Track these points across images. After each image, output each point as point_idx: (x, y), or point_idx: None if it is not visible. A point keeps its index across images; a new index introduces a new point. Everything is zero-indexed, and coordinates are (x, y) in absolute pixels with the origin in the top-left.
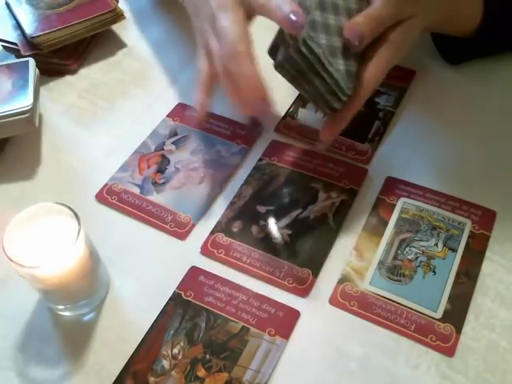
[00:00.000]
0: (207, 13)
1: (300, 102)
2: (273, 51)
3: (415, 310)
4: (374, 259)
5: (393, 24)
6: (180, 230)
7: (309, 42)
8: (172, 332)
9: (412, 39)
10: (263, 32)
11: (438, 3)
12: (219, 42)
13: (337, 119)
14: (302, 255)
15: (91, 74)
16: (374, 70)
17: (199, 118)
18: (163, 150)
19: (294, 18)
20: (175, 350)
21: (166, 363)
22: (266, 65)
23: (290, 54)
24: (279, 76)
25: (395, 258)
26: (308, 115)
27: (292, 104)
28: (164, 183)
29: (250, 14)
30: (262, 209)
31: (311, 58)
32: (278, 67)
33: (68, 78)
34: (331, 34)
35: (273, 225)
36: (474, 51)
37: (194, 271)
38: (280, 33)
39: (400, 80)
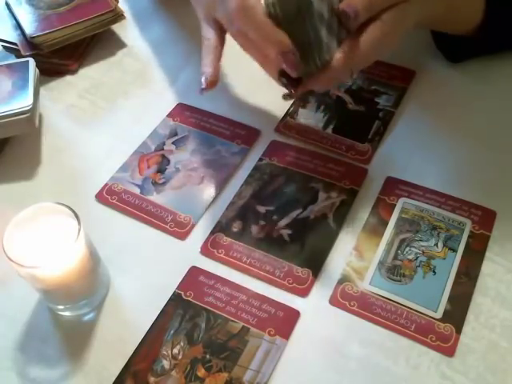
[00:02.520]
0: None
1: (300, 102)
2: None
3: (415, 310)
4: (373, 259)
5: (388, 5)
6: (180, 230)
7: None
8: (172, 332)
9: (405, 24)
10: None
11: None
12: (227, 5)
13: (311, 79)
14: (302, 255)
15: (91, 74)
16: (361, 45)
17: (211, 81)
18: (163, 150)
19: None
20: (175, 350)
21: (166, 363)
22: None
23: None
24: None
25: (395, 258)
26: (308, 115)
27: (292, 104)
28: (164, 183)
29: None
30: (261, 209)
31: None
32: (268, 5)
33: (68, 78)
34: (322, 2)
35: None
36: (474, 49)
37: (194, 271)
38: None
39: (400, 80)
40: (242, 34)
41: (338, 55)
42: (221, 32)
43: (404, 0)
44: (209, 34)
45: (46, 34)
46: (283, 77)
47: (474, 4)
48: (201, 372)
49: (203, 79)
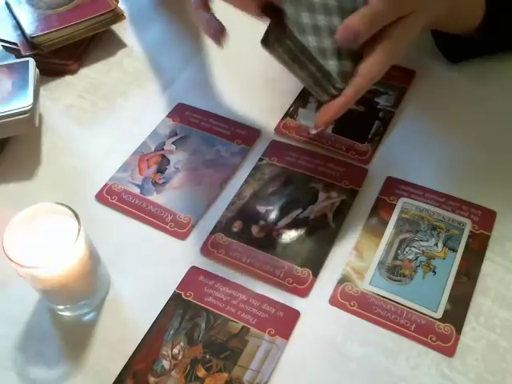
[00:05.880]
0: None
1: (300, 102)
2: (265, 38)
3: (415, 310)
4: (374, 259)
5: (394, 20)
6: (180, 230)
7: (297, 35)
8: (172, 332)
9: (413, 35)
10: (263, 32)
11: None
12: None
13: (333, 107)
14: (301, 255)
15: (91, 74)
16: (373, 65)
17: (219, 31)
18: (163, 150)
19: None
20: (175, 350)
21: (166, 363)
22: (266, 65)
23: (283, 40)
24: (279, 76)
25: (395, 258)
26: (308, 115)
27: (292, 104)
28: (164, 183)
29: None
30: (262, 209)
31: (301, 49)
32: (271, 51)
33: (68, 78)
34: (321, 36)
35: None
36: (474, 49)
37: (194, 271)
38: (272, 22)
39: (400, 80)
40: None
41: (350, 88)
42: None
43: (410, 11)
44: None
45: (46, 34)
46: (265, 10)
47: (475, 5)
48: (201, 372)
49: (211, 35)
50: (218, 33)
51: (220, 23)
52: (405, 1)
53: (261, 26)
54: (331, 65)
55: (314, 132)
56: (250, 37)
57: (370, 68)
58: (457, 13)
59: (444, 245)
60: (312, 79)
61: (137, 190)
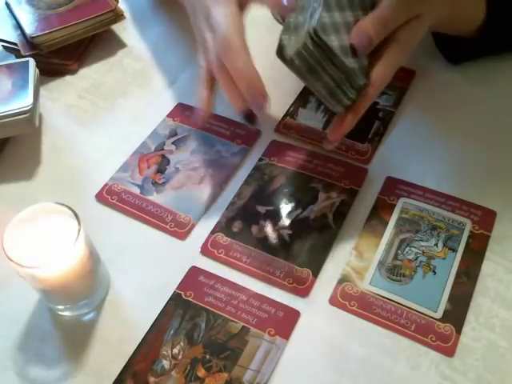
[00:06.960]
0: (202, 8)
1: (300, 101)
2: (280, 52)
3: (415, 310)
4: (373, 259)
5: (402, 23)
6: (180, 230)
7: (320, 34)
8: (172, 332)
9: (419, 37)
10: (264, 32)
11: (443, 2)
12: (213, 37)
13: (345, 119)
14: (302, 255)
15: (91, 74)
16: (382, 71)
17: (202, 116)
18: (163, 150)
19: (284, 2)
20: (175, 350)
21: (166, 363)
22: (266, 65)
23: (300, 50)
24: (279, 76)
25: (395, 258)
26: (308, 115)
27: (292, 104)
28: (164, 183)
29: (243, 5)
30: (261, 209)
31: (324, 49)
32: (289, 64)
33: (68, 78)
34: (341, 33)
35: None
36: (475, 51)
37: (194, 271)
38: (286, 30)
39: (400, 80)
40: (222, 66)
41: (362, 97)
42: (209, 60)
43: (415, 16)
44: (201, 60)
45: (46, 34)
46: (247, 114)
47: (475, 7)
48: (201, 372)
49: (196, 114)
50: (202, 118)
51: (209, 110)
52: (413, 3)
53: (261, 26)
54: (352, 62)
55: (330, 147)
56: (250, 37)
57: (381, 73)
58: (457, 16)
59: (444, 245)
60: (327, 90)
61: (137, 190)
